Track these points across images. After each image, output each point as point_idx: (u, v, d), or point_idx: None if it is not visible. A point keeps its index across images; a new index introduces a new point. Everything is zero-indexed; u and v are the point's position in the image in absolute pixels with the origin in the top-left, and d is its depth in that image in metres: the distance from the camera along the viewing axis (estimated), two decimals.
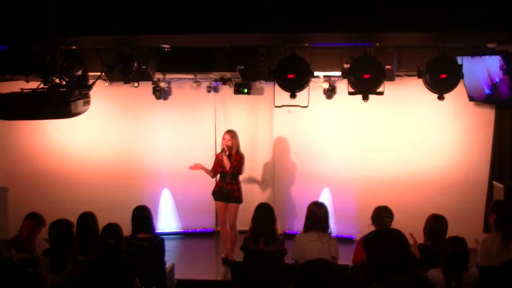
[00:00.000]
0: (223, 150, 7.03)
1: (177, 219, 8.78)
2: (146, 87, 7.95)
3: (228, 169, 7.01)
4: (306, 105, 6.21)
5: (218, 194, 7.17)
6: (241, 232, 6.99)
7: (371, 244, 2.91)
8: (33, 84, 4.92)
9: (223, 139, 7.11)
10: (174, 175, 8.68)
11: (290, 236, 7.30)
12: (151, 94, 8.29)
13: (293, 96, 5.29)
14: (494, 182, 7.38)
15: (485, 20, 4.21)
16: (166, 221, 8.69)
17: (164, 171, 8.67)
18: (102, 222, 4.97)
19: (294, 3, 4.35)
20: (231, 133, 7.11)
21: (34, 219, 5.49)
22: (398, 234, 2.91)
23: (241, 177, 7.25)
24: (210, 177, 7.53)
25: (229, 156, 7.02)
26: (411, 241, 5.17)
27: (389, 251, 2.82)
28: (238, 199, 7.11)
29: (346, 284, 2.95)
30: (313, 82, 5.68)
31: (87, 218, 5.21)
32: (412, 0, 4.27)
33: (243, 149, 7.30)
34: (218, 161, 7.17)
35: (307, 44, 5.42)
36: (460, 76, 5.14)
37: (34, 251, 5.35)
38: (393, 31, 4.45)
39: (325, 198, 8.15)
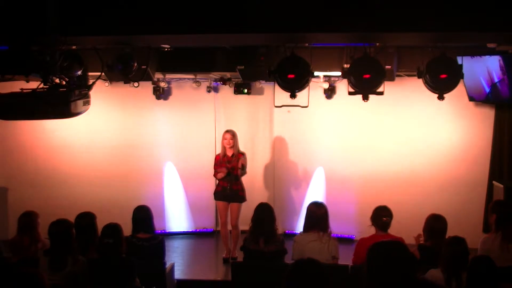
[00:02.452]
0: (228, 174, 7.03)
1: (177, 219, 8.78)
2: (146, 87, 7.95)
3: (237, 172, 7.04)
4: (306, 105, 6.21)
5: (221, 194, 7.16)
6: (241, 232, 7.00)
7: (374, 256, 2.88)
8: (33, 84, 4.92)
9: (224, 138, 7.12)
10: (174, 175, 8.69)
11: (290, 236, 7.30)
12: (151, 94, 8.29)
13: (293, 96, 5.29)
14: (494, 182, 7.37)
15: (485, 20, 4.22)
16: (166, 221, 8.69)
17: (164, 171, 8.68)
18: (102, 222, 4.96)
19: (294, 3, 4.35)
20: (232, 133, 7.12)
21: (31, 216, 5.45)
22: (400, 246, 2.89)
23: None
24: (209, 177, 7.54)
25: (233, 156, 7.07)
26: (416, 242, 5.18)
27: (390, 266, 2.79)
28: (243, 198, 7.15)
29: (334, 284, 2.94)
30: (313, 82, 5.68)
31: (84, 218, 5.19)
32: (412, 0, 4.27)
33: (243, 149, 7.30)
34: (221, 162, 7.14)
35: (307, 44, 5.42)
36: (460, 76, 5.14)
37: (42, 248, 5.24)
38: (393, 31, 4.46)
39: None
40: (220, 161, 7.15)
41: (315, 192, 8.31)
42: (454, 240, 4.39)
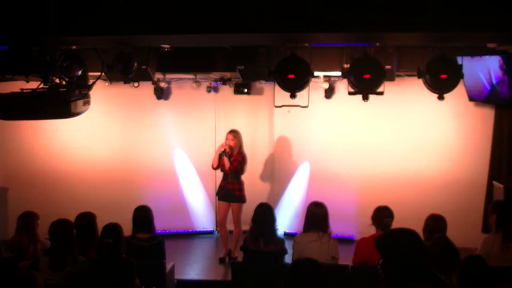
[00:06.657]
0: (223, 151, 7.04)
1: (178, 219, 8.77)
2: (146, 87, 7.94)
3: (227, 170, 7.04)
4: (306, 105, 6.21)
5: (221, 194, 7.23)
6: (242, 232, 7.00)
7: (386, 246, 2.83)
8: (33, 84, 4.92)
9: (226, 139, 7.13)
10: (173, 175, 8.69)
11: (290, 236, 7.30)
12: (151, 94, 8.28)
13: (293, 96, 5.29)
14: (494, 182, 7.37)
15: (485, 20, 4.22)
16: (166, 221, 8.67)
17: (164, 171, 8.67)
18: (102, 222, 4.96)
19: (294, 3, 4.35)
20: (234, 133, 7.14)
21: (31, 217, 5.45)
22: (412, 234, 2.84)
23: (242, 177, 7.25)
24: (209, 178, 7.51)
25: (230, 157, 7.06)
26: None
27: (405, 253, 2.75)
28: (240, 199, 7.13)
29: (334, 284, 2.94)
30: (313, 82, 5.68)
31: (84, 218, 5.20)
32: (412, 0, 4.27)
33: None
34: (219, 159, 7.17)
35: (307, 44, 5.42)
36: (460, 76, 5.14)
37: (42, 248, 5.24)
38: (393, 31, 4.46)
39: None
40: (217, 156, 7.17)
41: (315, 192, 8.30)
42: (438, 239, 4.43)
